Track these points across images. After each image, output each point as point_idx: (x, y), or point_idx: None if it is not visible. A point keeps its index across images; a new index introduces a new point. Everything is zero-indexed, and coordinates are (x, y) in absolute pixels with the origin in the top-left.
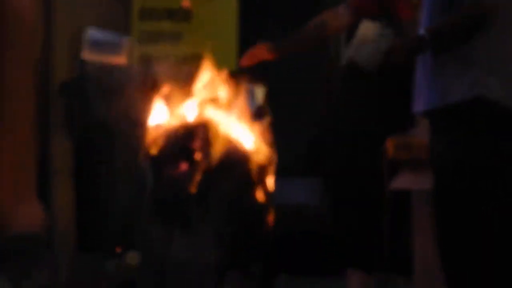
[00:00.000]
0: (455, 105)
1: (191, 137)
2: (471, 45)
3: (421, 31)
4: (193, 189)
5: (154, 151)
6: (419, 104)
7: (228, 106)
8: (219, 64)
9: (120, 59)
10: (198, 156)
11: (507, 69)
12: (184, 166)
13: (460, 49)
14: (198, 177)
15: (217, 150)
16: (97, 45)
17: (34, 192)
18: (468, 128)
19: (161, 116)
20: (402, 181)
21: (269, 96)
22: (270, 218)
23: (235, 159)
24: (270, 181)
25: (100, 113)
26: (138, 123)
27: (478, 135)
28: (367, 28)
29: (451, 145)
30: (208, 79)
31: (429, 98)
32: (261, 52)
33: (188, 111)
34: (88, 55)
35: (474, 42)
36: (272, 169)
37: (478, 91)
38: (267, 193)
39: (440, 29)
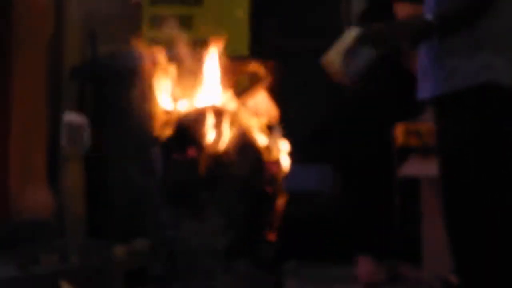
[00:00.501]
0: (463, 91)
1: (201, 122)
2: (478, 27)
3: (428, 15)
4: (203, 173)
5: (163, 135)
6: (425, 91)
7: (240, 91)
8: (231, 49)
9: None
10: (208, 140)
11: None
12: (193, 151)
13: (467, 32)
14: (208, 161)
15: (227, 135)
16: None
17: (43, 178)
18: (477, 114)
19: (171, 100)
20: (411, 168)
21: (280, 83)
22: (280, 203)
23: (246, 143)
24: (282, 166)
25: (112, 97)
26: (149, 108)
27: (486, 121)
28: (349, 37)
29: (459, 132)
30: (219, 64)
31: (436, 84)
32: None
33: (199, 95)
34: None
35: (481, 24)
36: (283, 154)
37: (487, 76)
38: (278, 178)
39: (447, 13)
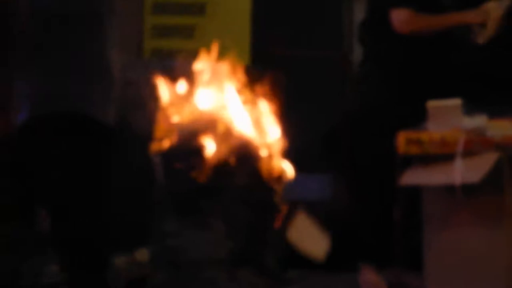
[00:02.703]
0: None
1: (203, 132)
2: None
3: None
4: (205, 183)
5: (165, 145)
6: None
7: (242, 100)
8: (232, 59)
9: None
10: (209, 150)
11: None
12: (196, 160)
13: None
14: (210, 171)
15: (229, 144)
16: None
17: None
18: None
19: (173, 110)
20: (413, 176)
21: (282, 93)
22: (282, 212)
23: (248, 152)
24: (283, 176)
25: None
26: (150, 118)
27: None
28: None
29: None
30: (221, 73)
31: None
32: None
33: (200, 105)
34: None
35: None
36: (284, 163)
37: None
38: (279, 187)
39: None
